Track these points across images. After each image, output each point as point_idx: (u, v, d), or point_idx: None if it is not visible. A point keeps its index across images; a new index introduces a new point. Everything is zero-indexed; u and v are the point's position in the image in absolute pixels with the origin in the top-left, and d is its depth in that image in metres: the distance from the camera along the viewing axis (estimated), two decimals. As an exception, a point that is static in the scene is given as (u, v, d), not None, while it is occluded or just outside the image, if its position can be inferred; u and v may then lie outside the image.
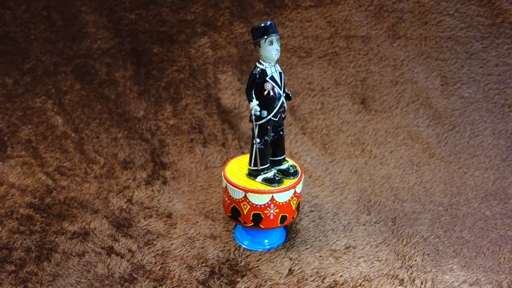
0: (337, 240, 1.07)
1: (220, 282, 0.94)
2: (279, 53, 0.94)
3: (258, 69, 0.93)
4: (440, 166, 1.37)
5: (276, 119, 0.96)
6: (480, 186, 1.29)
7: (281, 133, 1.00)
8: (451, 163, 1.39)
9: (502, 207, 1.20)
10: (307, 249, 1.04)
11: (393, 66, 1.51)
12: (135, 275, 0.95)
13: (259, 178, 0.99)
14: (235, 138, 1.45)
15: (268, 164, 1.00)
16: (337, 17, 1.52)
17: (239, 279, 0.95)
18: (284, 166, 1.02)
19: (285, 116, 0.98)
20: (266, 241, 1.05)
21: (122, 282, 0.93)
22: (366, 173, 1.35)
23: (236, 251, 1.03)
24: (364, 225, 1.13)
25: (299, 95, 1.51)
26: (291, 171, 1.01)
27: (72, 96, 1.50)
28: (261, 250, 1.04)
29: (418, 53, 1.51)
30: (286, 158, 1.04)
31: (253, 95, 0.94)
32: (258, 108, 0.93)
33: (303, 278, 0.95)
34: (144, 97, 1.51)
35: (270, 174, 0.99)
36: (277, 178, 0.97)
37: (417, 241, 1.07)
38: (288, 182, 0.99)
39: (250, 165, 1.00)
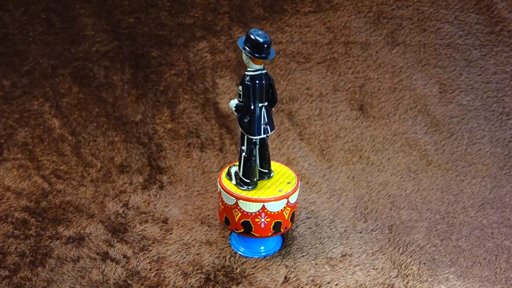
0: (333, 248, 1.06)
1: (215, 289, 0.93)
2: None
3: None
4: (437, 173, 1.37)
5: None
6: (477, 195, 1.29)
7: (266, 151, 1.00)
8: (448, 170, 1.38)
9: (499, 216, 1.20)
10: (303, 256, 1.03)
11: (392, 73, 1.51)
12: (129, 282, 0.95)
13: (234, 181, 1.00)
14: (233, 143, 1.44)
15: (256, 184, 0.99)
16: (336, 23, 1.51)
17: (234, 286, 0.94)
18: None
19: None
20: (262, 248, 1.05)
21: (116, 288, 0.93)
22: (364, 180, 1.35)
23: (232, 257, 1.03)
24: (360, 232, 1.13)
25: (297, 101, 1.51)
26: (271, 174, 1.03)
27: (70, 99, 1.50)
28: (257, 257, 1.03)
29: (417, 60, 1.51)
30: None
31: None
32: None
33: (298, 286, 0.95)
34: (142, 101, 1.51)
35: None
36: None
37: (414, 249, 1.06)
38: (282, 191, 0.98)
39: (239, 172, 1.00)
